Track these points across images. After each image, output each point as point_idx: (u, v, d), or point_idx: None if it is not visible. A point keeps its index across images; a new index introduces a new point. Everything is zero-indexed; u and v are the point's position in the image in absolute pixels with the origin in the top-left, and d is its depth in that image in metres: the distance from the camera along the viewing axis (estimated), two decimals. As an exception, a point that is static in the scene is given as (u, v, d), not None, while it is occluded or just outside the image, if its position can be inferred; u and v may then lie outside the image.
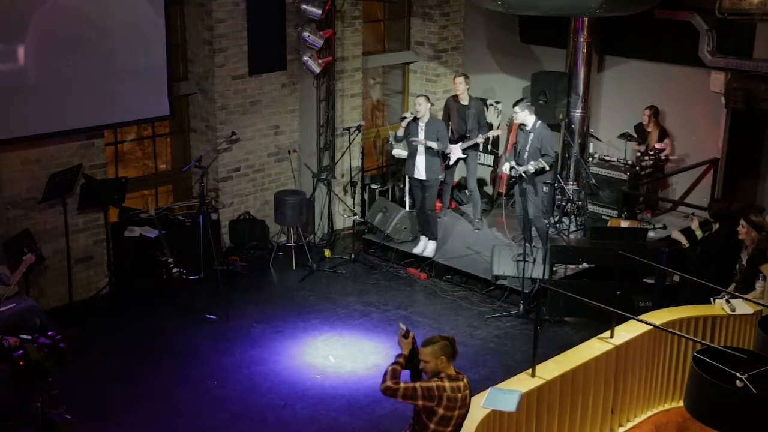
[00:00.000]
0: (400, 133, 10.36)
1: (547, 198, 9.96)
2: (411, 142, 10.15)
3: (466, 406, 5.10)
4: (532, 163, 9.57)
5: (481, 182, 11.86)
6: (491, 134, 11.30)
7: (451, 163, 10.83)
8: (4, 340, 7.10)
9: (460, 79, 10.85)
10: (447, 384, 5.02)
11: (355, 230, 11.29)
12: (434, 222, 10.34)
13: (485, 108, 11.76)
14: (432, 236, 10.32)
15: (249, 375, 8.13)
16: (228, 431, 7.31)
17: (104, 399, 7.68)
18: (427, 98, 10.25)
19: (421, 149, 10.03)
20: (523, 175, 9.61)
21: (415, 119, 10.09)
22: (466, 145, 10.74)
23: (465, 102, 10.90)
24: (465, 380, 5.12)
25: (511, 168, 9.78)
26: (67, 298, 9.19)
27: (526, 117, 9.76)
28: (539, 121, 9.83)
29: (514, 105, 9.98)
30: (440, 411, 5.01)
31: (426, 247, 10.42)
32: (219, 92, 10.29)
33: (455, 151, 10.64)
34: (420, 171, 10.11)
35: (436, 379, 5.05)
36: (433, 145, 9.95)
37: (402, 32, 12.51)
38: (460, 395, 5.03)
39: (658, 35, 10.84)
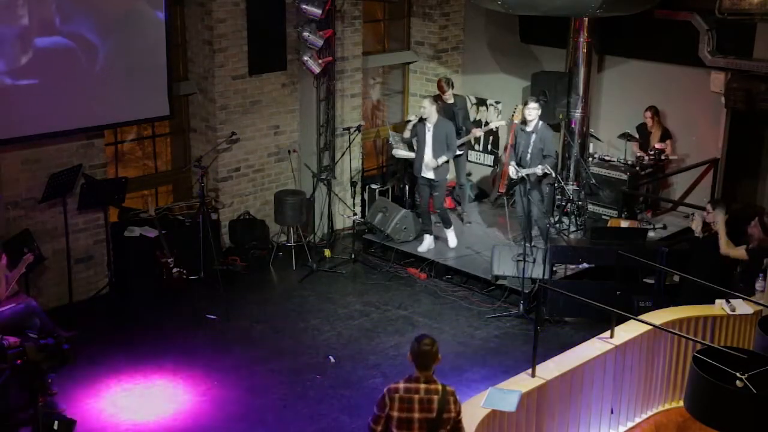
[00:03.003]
0: (407, 135, 10.32)
1: (548, 198, 9.97)
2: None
3: (431, 411, 4.91)
4: (540, 167, 9.56)
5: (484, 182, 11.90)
6: (494, 125, 11.28)
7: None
8: (4, 340, 7.12)
9: (449, 92, 10.91)
10: (401, 385, 4.94)
11: (355, 230, 11.29)
12: (447, 215, 10.49)
13: (469, 103, 11.76)
14: (449, 225, 10.47)
15: (249, 375, 8.13)
16: (228, 431, 7.31)
17: (104, 399, 7.68)
18: (434, 99, 10.24)
19: (428, 150, 10.01)
20: (526, 177, 9.60)
21: (421, 120, 10.09)
22: (461, 141, 10.73)
23: (450, 101, 10.93)
24: (437, 386, 4.94)
25: (516, 171, 9.76)
26: (67, 298, 9.19)
27: (536, 116, 9.74)
28: (541, 122, 9.83)
29: (529, 100, 10.00)
30: (395, 414, 4.90)
31: (429, 246, 10.47)
32: (219, 92, 10.29)
33: None
34: (429, 171, 10.11)
35: (394, 382, 5.01)
36: (442, 159, 10.00)
37: (402, 32, 12.52)
38: (417, 397, 4.90)
39: (658, 35, 10.85)
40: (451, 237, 10.52)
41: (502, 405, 5.82)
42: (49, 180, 8.89)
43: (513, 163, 9.89)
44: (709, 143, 10.80)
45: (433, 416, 4.93)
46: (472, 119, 12.12)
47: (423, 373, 4.96)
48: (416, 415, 4.92)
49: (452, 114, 10.83)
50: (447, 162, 10.17)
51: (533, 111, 9.77)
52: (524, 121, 9.92)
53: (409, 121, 10.25)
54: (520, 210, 10.00)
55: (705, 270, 8.14)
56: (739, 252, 8.29)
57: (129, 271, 9.72)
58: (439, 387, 4.97)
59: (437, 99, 10.82)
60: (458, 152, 10.79)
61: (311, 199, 11.00)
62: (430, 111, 9.98)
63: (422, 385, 4.94)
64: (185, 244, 9.80)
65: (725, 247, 8.38)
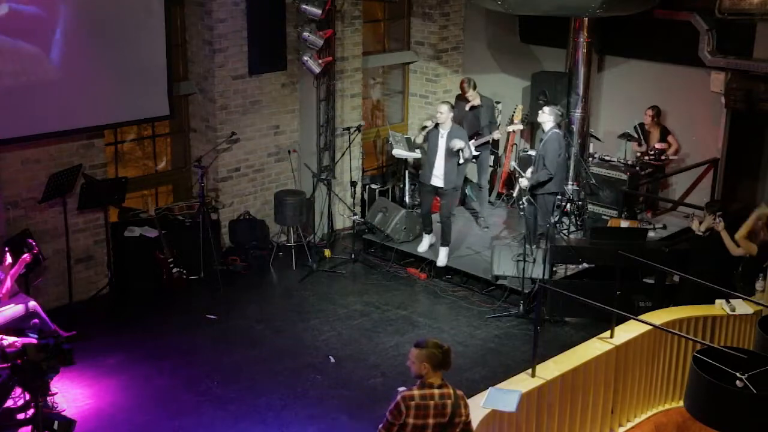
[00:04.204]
0: (420, 140, 10.15)
1: (552, 205, 9.92)
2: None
3: (444, 416, 4.95)
4: (522, 179, 9.53)
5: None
6: (511, 129, 11.17)
7: (461, 161, 10.80)
8: (3, 340, 7.13)
9: (470, 92, 10.82)
10: (416, 392, 4.94)
11: (355, 230, 11.29)
12: (449, 229, 10.12)
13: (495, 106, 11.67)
14: (446, 243, 10.14)
15: (249, 375, 8.13)
16: (228, 431, 7.31)
17: (104, 399, 7.68)
18: (451, 106, 9.94)
19: (440, 157, 9.77)
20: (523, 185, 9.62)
21: (436, 126, 9.83)
22: (478, 142, 10.70)
23: (475, 102, 10.85)
24: (449, 390, 4.99)
25: (514, 169, 9.74)
26: (67, 298, 9.19)
27: (547, 121, 9.57)
28: (554, 131, 9.58)
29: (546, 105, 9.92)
30: (410, 421, 4.91)
31: (429, 244, 10.43)
32: (219, 92, 10.29)
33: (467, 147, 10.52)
34: (438, 179, 9.84)
35: (405, 389, 5.00)
36: (461, 159, 9.76)
37: (402, 32, 12.51)
38: (432, 403, 4.93)
39: (658, 35, 10.84)
40: (443, 255, 10.15)
41: (502, 405, 5.82)
42: (49, 180, 8.89)
43: (513, 164, 9.87)
44: (709, 143, 10.80)
45: (446, 421, 4.97)
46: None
47: (436, 374, 4.96)
48: (431, 420, 4.95)
49: (475, 115, 10.79)
50: (464, 163, 9.86)
51: (542, 115, 9.64)
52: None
53: (426, 127, 10.00)
54: (527, 212, 9.94)
55: (705, 270, 8.14)
56: (750, 247, 8.21)
57: (129, 271, 9.73)
58: (451, 391, 5.01)
59: (459, 99, 10.80)
60: (475, 153, 10.70)
61: (311, 199, 11.00)
62: (447, 117, 9.73)
63: (436, 391, 4.96)
64: (185, 244, 9.80)
65: (735, 249, 8.34)
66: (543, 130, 9.73)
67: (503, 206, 11.72)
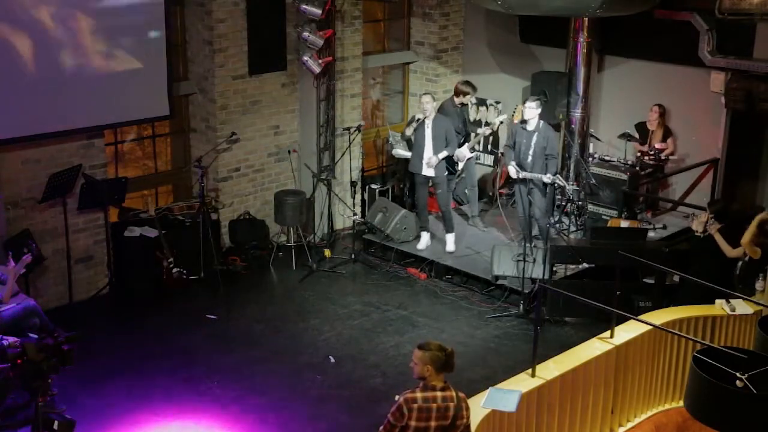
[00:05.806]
0: (409, 132, 10.26)
1: (549, 198, 9.97)
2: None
3: (446, 419, 4.95)
4: (548, 176, 9.55)
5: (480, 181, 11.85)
6: (497, 121, 11.20)
7: (461, 166, 10.83)
8: (4, 340, 7.12)
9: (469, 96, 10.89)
10: (419, 395, 4.94)
11: (355, 230, 11.28)
12: (450, 219, 10.35)
13: (470, 104, 11.68)
14: (450, 230, 10.35)
15: (249, 375, 8.13)
16: (228, 431, 7.31)
17: (104, 399, 7.68)
18: (433, 96, 10.27)
19: (428, 146, 10.00)
20: (532, 179, 9.61)
21: (423, 119, 10.06)
22: (473, 143, 10.73)
23: (465, 102, 10.90)
24: (451, 393, 4.99)
25: (517, 172, 9.73)
26: (67, 298, 9.20)
27: (536, 116, 9.72)
28: (542, 121, 9.82)
29: (528, 100, 9.91)
30: (413, 423, 4.91)
31: (427, 243, 10.47)
32: (219, 92, 10.29)
33: (464, 152, 10.56)
34: (429, 168, 10.07)
35: (408, 391, 5.01)
36: (443, 154, 10.02)
37: (402, 32, 12.52)
38: (434, 405, 4.93)
39: (658, 35, 10.84)
40: (450, 242, 10.36)
41: (502, 405, 5.82)
42: (49, 180, 8.89)
43: (513, 163, 9.87)
44: (709, 143, 10.80)
45: (448, 423, 4.98)
46: (472, 119, 12.11)
47: (438, 376, 4.96)
48: (433, 423, 4.96)
49: (462, 116, 10.82)
50: (450, 157, 10.18)
51: (532, 110, 9.72)
52: (523, 120, 9.89)
53: (418, 119, 10.13)
54: (520, 210, 10.00)
55: (705, 270, 8.14)
56: (755, 251, 8.16)
57: (129, 271, 9.72)
58: (454, 394, 5.01)
59: (452, 100, 10.82)
60: (471, 155, 10.76)
61: (311, 199, 11.00)
62: (431, 107, 10.00)
63: (439, 393, 4.97)
64: (185, 244, 9.80)
65: (730, 251, 8.32)
66: (525, 122, 9.77)
67: (503, 206, 11.70)
